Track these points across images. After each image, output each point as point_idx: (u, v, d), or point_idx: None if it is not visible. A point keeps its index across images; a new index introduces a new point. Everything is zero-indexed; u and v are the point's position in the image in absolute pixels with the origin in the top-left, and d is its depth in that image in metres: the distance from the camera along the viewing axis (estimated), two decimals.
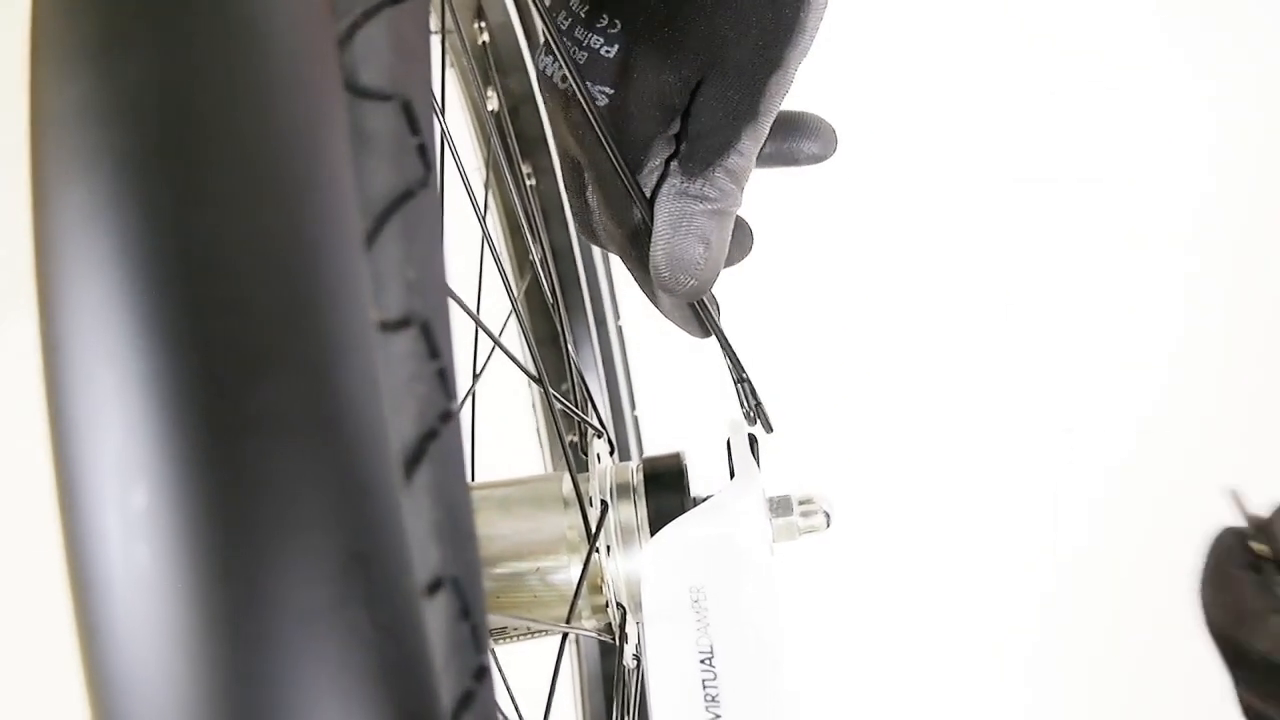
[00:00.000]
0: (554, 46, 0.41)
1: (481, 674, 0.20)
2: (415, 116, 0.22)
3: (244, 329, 0.17)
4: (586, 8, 0.41)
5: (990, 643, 1.27)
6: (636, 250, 0.45)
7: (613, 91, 0.41)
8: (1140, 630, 1.24)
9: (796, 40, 0.40)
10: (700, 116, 0.41)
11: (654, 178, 0.43)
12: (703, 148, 0.42)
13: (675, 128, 0.42)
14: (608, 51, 0.41)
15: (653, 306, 0.48)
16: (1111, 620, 1.28)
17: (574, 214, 0.47)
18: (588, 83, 0.41)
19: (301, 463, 0.17)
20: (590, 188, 0.45)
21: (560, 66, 0.42)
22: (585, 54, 0.41)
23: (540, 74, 0.43)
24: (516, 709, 0.51)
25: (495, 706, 0.20)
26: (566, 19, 0.42)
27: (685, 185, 0.42)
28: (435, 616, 0.19)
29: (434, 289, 0.21)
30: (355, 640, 0.17)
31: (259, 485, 0.17)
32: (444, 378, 0.21)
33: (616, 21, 0.41)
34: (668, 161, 0.43)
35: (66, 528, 0.17)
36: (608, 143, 0.41)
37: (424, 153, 0.22)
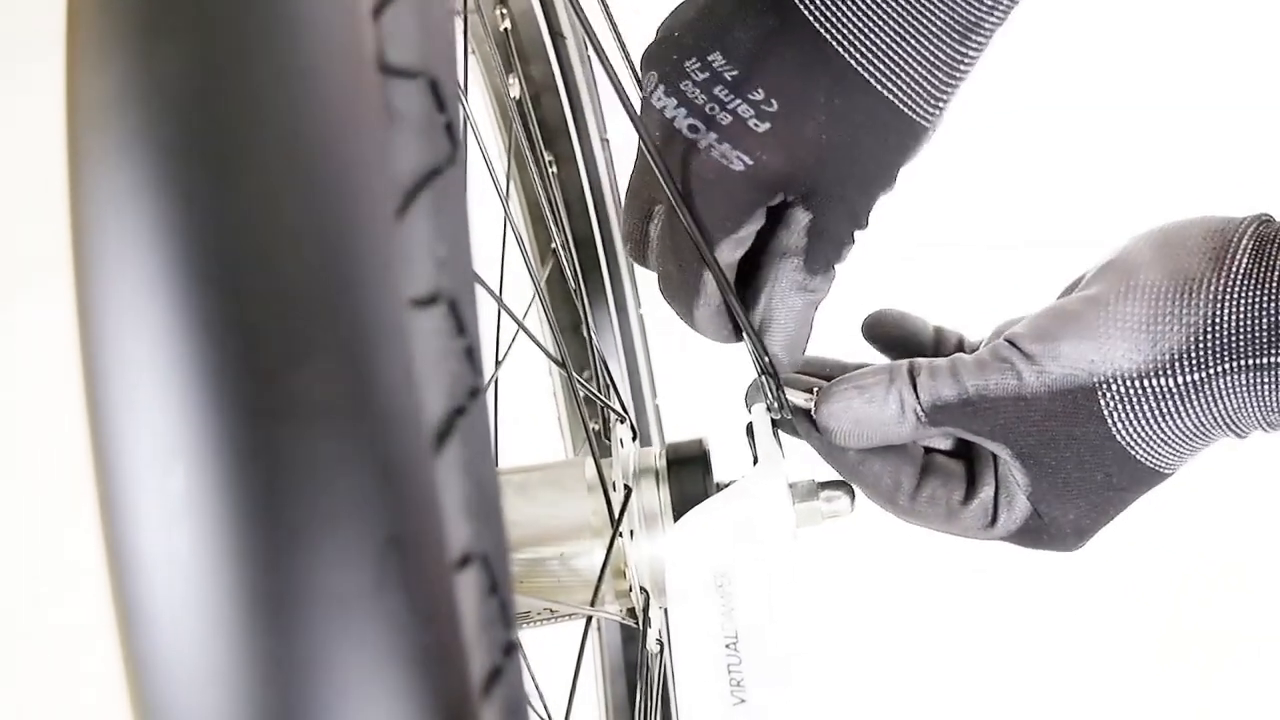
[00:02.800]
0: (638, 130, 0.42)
1: (510, 649, 0.20)
2: (442, 94, 0.22)
3: (280, 313, 0.17)
4: (734, 71, 0.41)
5: (999, 636, 1.27)
6: (689, 283, 0.46)
7: (750, 163, 0.42)
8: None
9: (908, 160, 0.43)
10: (825, 216, 0.43)
11: (742, 245, 0.45)
12: (825, 248, 0.44)
13: (777, 200, 0.43)
14: (756, 125, 0.42)
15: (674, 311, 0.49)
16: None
17: (627, 232, 0.47)
18: (725, 144, 0.42)
19: (340, 447, 0.17)
20: (656, 221, 0.46)
21: (689, 115, 0.42)
22: (729, 117, 0.42)
23: (659, 114, 0.43)
24: (540, 695, 0.52)
25: (523, 682, 0.21)
26: (700, 70, 0.42)
27: (805, 280, 0.45)
28: (464, 592, 0.19)
29: (461, 266, 0.21)
30: (392, 626, 0.17)
31: (298, 469, 0.17)
32: (471, 354, 0.21)
33: (773, 101, 0.41)
34: (779, 254, 0.45)
35: (105, 511, 0.17)
36: (700, 246, 0.43)
37: (450, 131, 0.22)
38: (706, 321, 0.46)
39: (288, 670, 0.16)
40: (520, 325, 0.45)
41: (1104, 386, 0.42)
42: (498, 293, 0.53)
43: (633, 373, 0.86)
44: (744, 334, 0.46)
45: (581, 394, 0.60)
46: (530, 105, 0.68)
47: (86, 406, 0.18)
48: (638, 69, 0.44)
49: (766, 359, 0.46)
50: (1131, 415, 0.42)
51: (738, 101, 0.42)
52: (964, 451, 0.48)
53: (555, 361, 0.48)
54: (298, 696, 0.16)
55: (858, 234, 0.44)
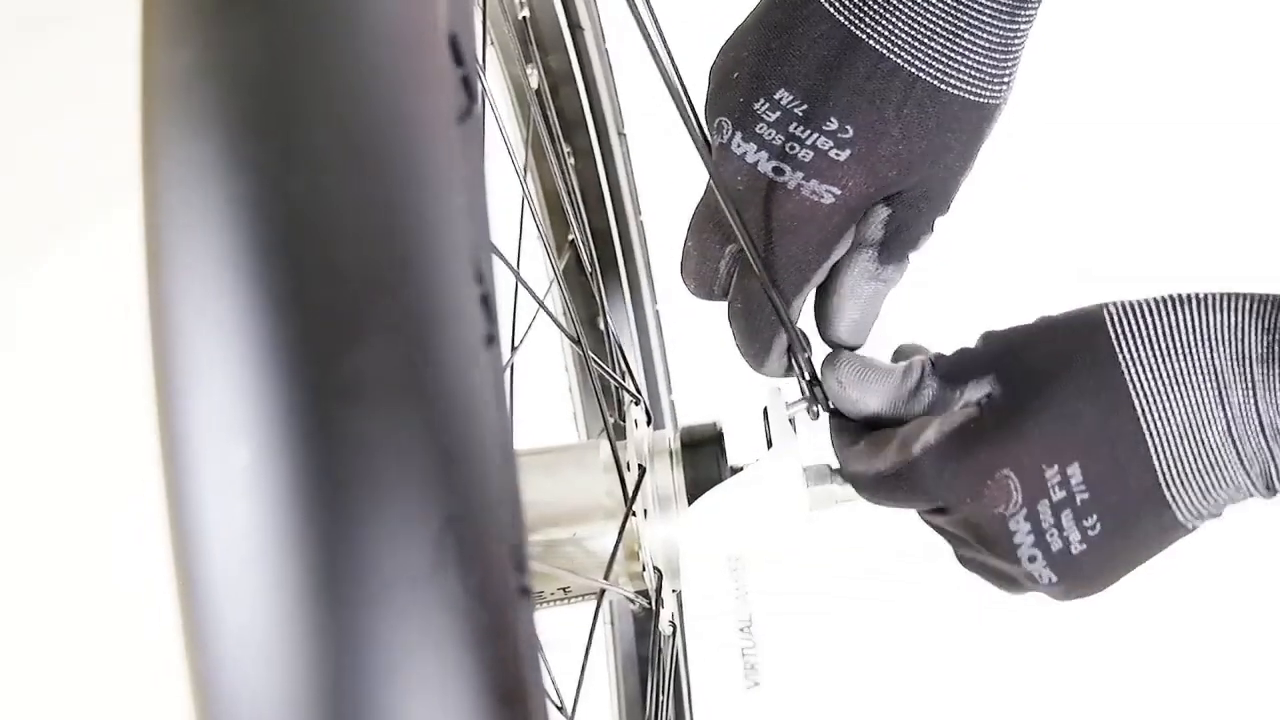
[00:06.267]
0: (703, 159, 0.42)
1: (523, 593, 0.20)
2: (460, 49, 0.22)
3: (346, 292, 0.18)
4: (804, 105, 0.42)
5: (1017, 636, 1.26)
6: (763, 340, 0.47)
7: (840, 193, 0.43)
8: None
9: (985, 139, 0.43)
10: (905, 212, 0.44)
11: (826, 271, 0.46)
12: (902, 241, 0.45)
13: (864, 216, 0.44)
14: (838, 154, 0.42)
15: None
16: None
17: (694, 270, 0.47)
18: (813, 181, 0.43)
19: (401, 427, 0.17)
20: (727, 260, 0.46)
21: (771, 158, 0.43)
22: (810, 153, 0.43)
23: (739, 161, 0.43)
24: (553, 682, 0.52)
25: (534, 626, 0.21)
26: (770, 110, 0.42)
27: (878, 270, 0.45)
28: None
29: (477, 215, 0.21)
30: (448, 605, 0.17)
31: (361, 448, 0.17)
32: (487, 302, 0.21)
33: (848, 127, 0.42)
34: (855, 245, 0.45)
35: (168, 483, 0.18)
36: (766, 282, 0.43)
37: (467, 84, 0.22)
38: (773, 367, 0.47)
39: (346, 646, 0.16)
40: (539, 302, 0.45)
41: (1111, 307, 0.41)
42: (515, 283, 0.53)
43: (648, 368, 0.86)
44: (794, 363, 0.46)
45: (597, 382, 0.60)
46: (549, 96, 0.68)
47: (154, 380, 0.18)
48: (702, 117, 0.44)
49: (805, 355, 0.46)
50: (1136, 334, 0.40)
51: (815, 135, 0.42)
52: None
53: (570, 338, 0.48)
54: (354, 674, 0.16)
55: (939, 218, 0.45)
